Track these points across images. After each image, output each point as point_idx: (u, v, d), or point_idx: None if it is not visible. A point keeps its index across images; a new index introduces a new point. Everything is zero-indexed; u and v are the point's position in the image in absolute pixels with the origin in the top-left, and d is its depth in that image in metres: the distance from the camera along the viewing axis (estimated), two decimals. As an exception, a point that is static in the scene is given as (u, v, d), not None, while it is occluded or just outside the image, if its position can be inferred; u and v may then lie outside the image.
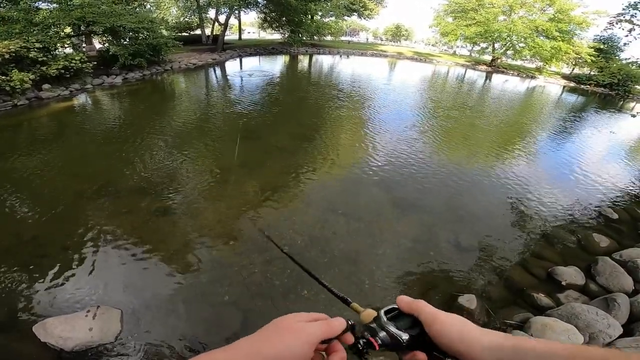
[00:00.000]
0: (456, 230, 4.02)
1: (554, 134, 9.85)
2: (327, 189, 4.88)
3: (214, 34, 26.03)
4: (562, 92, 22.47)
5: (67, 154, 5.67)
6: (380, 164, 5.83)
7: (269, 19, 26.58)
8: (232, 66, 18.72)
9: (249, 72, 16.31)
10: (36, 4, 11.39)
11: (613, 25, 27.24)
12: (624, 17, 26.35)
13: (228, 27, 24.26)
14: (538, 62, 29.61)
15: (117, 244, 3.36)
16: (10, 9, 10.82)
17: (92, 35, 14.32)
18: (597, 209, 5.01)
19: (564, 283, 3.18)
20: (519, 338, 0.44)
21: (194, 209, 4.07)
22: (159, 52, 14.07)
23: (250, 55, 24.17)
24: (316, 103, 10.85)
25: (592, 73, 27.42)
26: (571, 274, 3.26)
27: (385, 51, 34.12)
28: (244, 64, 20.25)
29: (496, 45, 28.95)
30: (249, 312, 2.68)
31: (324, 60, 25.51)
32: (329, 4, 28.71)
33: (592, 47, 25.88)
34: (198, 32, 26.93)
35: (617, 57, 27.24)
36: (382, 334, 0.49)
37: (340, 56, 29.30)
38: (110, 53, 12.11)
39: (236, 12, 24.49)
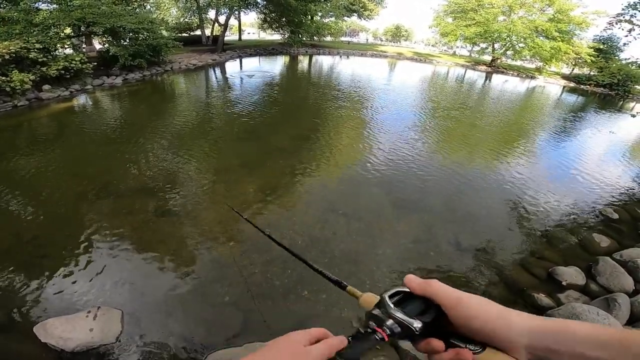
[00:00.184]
0: (456, 230, 4.02)
1: (554, 134, 9.85)
2: (327, 189, 4.88)
3: (214, 34, 26.03)
4: (562, 92, 22.49)
5: (67, 155, 5.67)
6: (380, 164, 5.83)
7: (269, 19, 26.61)
8: (232, 67, 18.74)
9: (249, 73, 16.32)
10: (36, 5, 11.39)
11: (613, 26, 27.28)
12: (623, 17, 26.37)
13: (228, 28, 24.29)
14: (538, 62, 29.65)
15: (118, 245, 3.36)
16: (10, 9, 10.82)
17: (92, 35, 14.33)
18: (597, 209, 5.01)
19: (564, 283, 3.18)
20: (560, 321, 0.40)
21: (194, 210, 4.07)
22: (159, 52, 14.08)
23: (250, 55, 24.19)
24: (316, 103, 10.86)
25: (591, 73, 27.45)
26: (572, 274, 3.26)
27: (385, 52, 34.16)
28: (244, 64, 20.27)
29: (496, 46, 28.99)
30: (250, 313, 2.68)
31: (324, 61, 25.54)
32: (328, 4, 28.74)
33: (591, 47, 25.92)
34: (198, 32, 26.95)
35: (616, 57, 27.29)
36: (390, 322, 0.43)
37: (340, 57, 29.32)
38: (110, 54, 12.12)
39: (236, 12, 24.51)
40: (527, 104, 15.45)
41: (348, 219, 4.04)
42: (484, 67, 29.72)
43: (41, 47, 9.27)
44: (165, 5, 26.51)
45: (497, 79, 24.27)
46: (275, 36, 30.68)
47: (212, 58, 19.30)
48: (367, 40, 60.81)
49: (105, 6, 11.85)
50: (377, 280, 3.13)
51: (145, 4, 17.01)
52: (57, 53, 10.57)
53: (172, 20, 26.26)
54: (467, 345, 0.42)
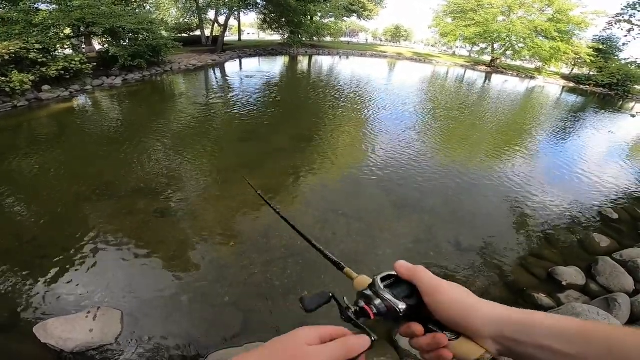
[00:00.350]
0: (456, 230, 4.02)
1: (554, 134, 9.86)
2: (328, 189, 4.88)
3: (214, 35, 26.05)
4: (562, 92, 22.51)
5: (67, 155, 5.67)
6: (380, 164, 5.83)
7: (268, 20, 26.62)
8: (232, 67, 18.74)
9: (249, 73, 16.33)
10: (36, 5, 11.39)
11: (612, 26, 27.28)
12: (622, 17, 26.38)
13: (228, 28, 24.28)
14: (537, 62, 29.69)
15: (117, 245, 3.36)
16: (9, 10, 10.82)
17: (91, 36, 14.34)
18: (597, 209, 5.01)
19: (564, 283, 3.18)
20: (526, 311, 0.41)
21: (193, 210, 4.07)
22: (158, 53, 14.08)
23: (250, 56, 24.20)
24: (316, 104, 10.86)
25: (591, 73, 27.47)
26: (572, 274, 3.26)
27: (384, 52, 34.19)
28: (244, 65, 20.28)
29: (495, 46, 29.02)
30: (250, 313, 2.68)
31: (324, 61, 25.55)
32: (328, 4, 28.75)
33: (591, 48, 25.94)
34: (198, 33, 26.96)
35: (616, 57, 27.31)
36: (378, 301, 0.45)
37: (340, 57, 29.34)
38: (110, 54, 12.12)
39: (236, 13, 24.52)
40: (526, 104, 15.46)
41: (348, 219, 4.04)
42: (483, 67, 29.75)
43: (41, 47, 9.26)
44: (164, 6, 26.55)
45: (497, 79, 24.28)
46: (275, 37, 30.69)
47: (212, 58, 19.30)
48: (366, 40, 60.89)
49: (105, 7, 11.85)
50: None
51: (144, 5, 17.01)
52: (57, 53, 10.56)
53: (171, 21, 26.29)
54: (445, 332, 0.44)
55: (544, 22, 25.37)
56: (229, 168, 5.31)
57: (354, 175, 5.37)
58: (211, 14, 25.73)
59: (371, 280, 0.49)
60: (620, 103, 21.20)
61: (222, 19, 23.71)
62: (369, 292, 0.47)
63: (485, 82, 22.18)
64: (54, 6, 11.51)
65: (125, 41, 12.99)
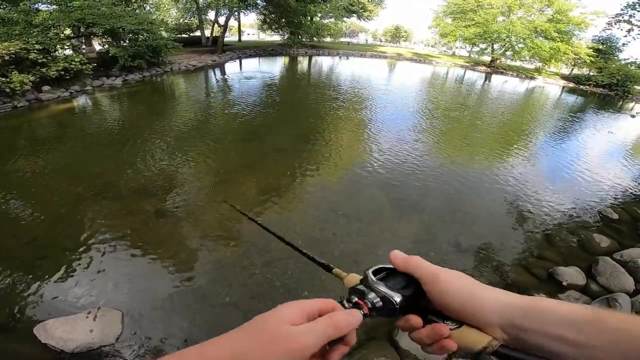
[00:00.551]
0: (456, 230, 4.02)
1: (554, 134, 9.87)
2: (328, 189, 4.88)
3: (214, 35, 26.06)
4: (562, 92, 22.53)
5: (67, 156, 5.67)
6: (380, 164, 5.83)
7: (268, 20, 26.64)
8: (231, 68, 18.74)
9: (249, 74, 16.33)
10: (36, 6, 11.40)
11: (612, 26, 27.31)
12: (622, 17, 26.41)
13: (228, 29, 24.30)
14: (537, 62, 29.70)
15: (118, 246, 3.36)
16: (10, 10, 10.83)
17: (91, 36, 14.34)
18: (597, 209, 5.01)
19: (565, 283, 3.18)
20: (536, 298, 0.39)
21: (194, 210, 4.07)
22: (158, 53, 14.08)
23: (250, 56, 24.21)
24: (316, 104, 10.86)
25: (591, 73, 27.50)
26: (572, 274, 3.26)
27: (384, 52, 34.22)
28: (244, 65, 20.29)
29: (495, 46, 29.04)
30: (250, 313, 2.66)
31: (324, 62, 25.57)
32: (328, 5, 28.79)
33: (590, 48, 25.98)
34: (198, 33, 26.97)
35: (615, 58, 27.35)
36: (372, 295, 0.42)
37: (340, 57, 29.37)
38: (110, 54, 12.13)
39: (236, 13, 24.52)
40: (526, 105, 15.47)
41: (348, 220, 4.04)
42: (483, 68, 29.77)
43: (41, 48, 9.27)
44: (164, 6, 26.55)
45: (497, 80, 24.30)
46: (274, 37, 30.73)
47: (212, 59, 19.31)
48: (366, 41, 60.98)
49: (105, 7, 11.86)
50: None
51: (144, 5, 17.03)
52: (57, 54, 10.58)
53: (171, 21, 26.30)
54: (445, 322, 0.42)
55: (544, 22, 25.40)
56: (229, 168, 5.32)
57: (354, 176, 5.37)
58: (211, 15, 25.79)
59: (362, 276, 0.47)
60: (620, 103, 21.21)
61: (222, 20, 23.73)
62: (361, 287, 0.44)
63: (485, 82, 22.19)
64: (54, 7, 11.51)
65: (125, 42, 13.00)
